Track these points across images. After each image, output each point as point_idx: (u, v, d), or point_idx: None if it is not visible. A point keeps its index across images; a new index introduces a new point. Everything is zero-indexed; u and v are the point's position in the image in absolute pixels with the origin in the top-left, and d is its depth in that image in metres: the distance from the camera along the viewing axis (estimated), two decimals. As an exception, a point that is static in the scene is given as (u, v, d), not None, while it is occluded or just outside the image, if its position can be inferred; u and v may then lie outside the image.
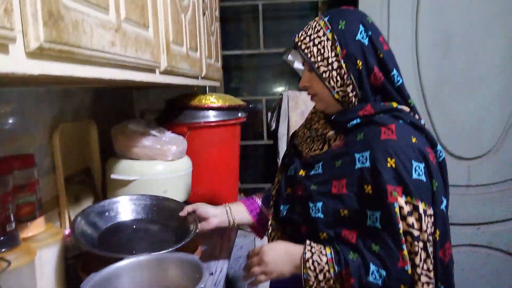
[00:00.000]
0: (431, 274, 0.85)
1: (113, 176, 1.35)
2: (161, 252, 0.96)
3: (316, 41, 0.96)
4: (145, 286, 0.87)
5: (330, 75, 0.95)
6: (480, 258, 1.95)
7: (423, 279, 0.84)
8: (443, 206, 0.88)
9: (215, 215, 1.21)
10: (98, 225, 1.12)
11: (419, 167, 0.86)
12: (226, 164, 1.79)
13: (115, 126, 1.42)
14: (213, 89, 2.22)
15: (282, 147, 2.14)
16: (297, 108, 2.09)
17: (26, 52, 0.42)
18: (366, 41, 0.95)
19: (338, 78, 0.95)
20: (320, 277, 0.88)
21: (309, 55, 0.97)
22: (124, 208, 1.20)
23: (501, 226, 1.91)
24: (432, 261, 0.85)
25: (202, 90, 2.14)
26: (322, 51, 0.95)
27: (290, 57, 2.04)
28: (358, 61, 0.93)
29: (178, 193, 1.42)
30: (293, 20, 2.32)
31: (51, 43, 0.44)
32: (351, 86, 0.95)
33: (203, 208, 1.21)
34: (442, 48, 1.81)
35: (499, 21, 1.80)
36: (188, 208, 1.21)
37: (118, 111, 1.83)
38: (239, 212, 1.25)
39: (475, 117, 1.83)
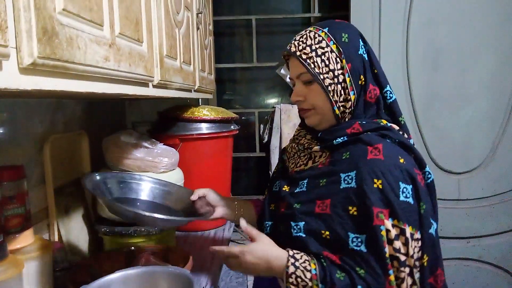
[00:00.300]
0: None
1: (104, 187, 1.34)
2: (171, 218, 1.01)
3: (319, 52, 0.91)
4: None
5: (335, 88, 0.91)
6: (470, 272, 1.96)
7: None
8: (432, 230, 0.84)
9: (223, 205, 1.16)
10: (110, 190, 1.14)
11: (406, 189, 0.83)
12: (218, 176, 1.80)
13: (106, 138, 1.42)
14: (206, 101, 2.23)
15: (275, 160, 2.15)
16: (289, 121, 2.11)
17: (19, 68, 0.43)
18: (366, 56, 0.94)
19: (342, 92, 0.92)
20: None
21: (312, 66, 0.91)
22: (140, 187, 1.22)
23: (491, 240, 1.93)
24: (419, 287, 0.82)
25: (194, 102, 2.15)
26: (327, 62, 0.91)
27: (282, 71, 2.06)
28: (361, 77, 0.92)
29: (169, 205, 1.41)
30: (286, 35, 2.36)
31: (45, 59, 0.45)
32: (350, 102, 0.92)
33: (213, 196, 1.17)
34: (432, 63, 1.85)
35: (488, 39, 1.84)
36: (199, 192, 1.17)
37: (110, 123, 1.83)
38: (247, 210, 1.20)
39: (465, 132, 1.86)
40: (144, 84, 0.93)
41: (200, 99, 2.17)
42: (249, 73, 2.38)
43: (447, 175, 1.87)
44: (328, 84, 0.91)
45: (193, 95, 1.52)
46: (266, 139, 2.18)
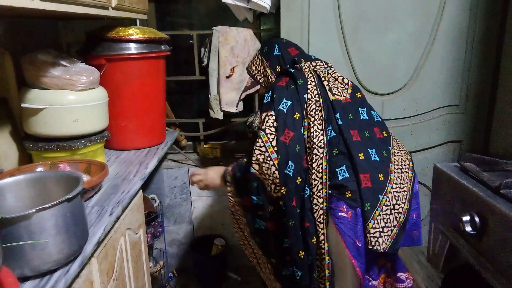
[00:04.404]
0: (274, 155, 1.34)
1: (23, 105, 1.39)
2: None
3: (254, 63, 1.60)
4: (28, 200, 0.96)
5: (264, 80, 1.57)
6: (391, 186, 2.13)
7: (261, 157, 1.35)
8: (281, 106, 1.37)
9: None
10: None
11: (268, 95, 1.42)
12: (150, 97, 1.84)
13: (24, 56, 1.43)
14: (145, 23, 2.20)
15: (213, 82, 2.19)
16: (226, 43, 2.12)
17: None
18: (280, 54, 1.53)
19: (265, 79, 1.56)
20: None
21: (250, 71, 1.61)
22: None
23: (410, 157, 2.08)
24: (273, 142, 1.34)
25: (132, 23, 2.12)
26: (257, 67, 1.58)
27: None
28: (278, 67, 1.53)
29: (90, 122, 1.48)
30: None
31: None
32: (272, 79, 1.54)
33: None
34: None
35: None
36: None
37: (42, 43, 1.81)
38: None
39: (390, 55, 1.91)
40: (27, -4, 0.94)
41: (137, 20, 2.15)
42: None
43: (371, 96, 1.94)
44: (259, 79, 1.59)
45: (112, 13, 1.51)
46: (205, 62, 2.21)
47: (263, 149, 1.34)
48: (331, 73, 1.49)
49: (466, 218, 0.69)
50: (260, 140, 1.35)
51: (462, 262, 0.79)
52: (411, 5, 1.86)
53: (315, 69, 1.47)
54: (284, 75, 1.46)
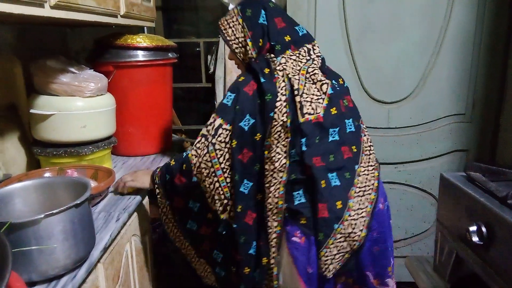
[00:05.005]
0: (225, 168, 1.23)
1: (32, 110, 1.41)
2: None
3: (231, 25, 1.30)
4: (36, 206, 0.97)
5: (240, 50, 1.31)
6: (397, 194, 2.13)
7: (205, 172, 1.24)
8: (241, 123, 1.20)
9: None
10: None
11: (230, 96, 1.22)
12: (157, 104, 1.86)
13: (33, 63, 1.45)
14: (152, 30, 2.23)
15: (219, 90, 2.21)
16: (233, 51, 2.14)
17: None
18: (266, 23, 1.27)
19: (243, 50, 1.30)
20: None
21: (225, 35, 1.32)
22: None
23: (416, 166, 2.08)
24: (221, 159, 1.23)
25: (140, 31, 2.15)
26: (234, 32, 1.30)
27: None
28: (261, 40, 1.27)
29: (97, 129, 1.49)
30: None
31: None
32: (253, 58, 1.28)
33: None
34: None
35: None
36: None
37: (51, 50, 1.83)
38: None
39: (396, 63, 1.92)
40: (38, 4, 0.95)
41: (145, 28, 2.17)
42: (198, 1, 2.36)
43: (377, 105, 1.95)
44: (234, 47, 1.31)
45: (121, 21, 1.53)
46: (211, 70, 2.23)
47: (209, 164, 1.23)
48: (311, 72, 1.25)
49: (473, 228, 0.69)
50: (207, 155, 1.23)
51: (468, 272, 0.79)
52: (417, 14, 1.87)
53: (293, 72, 1.22)
54: (253, 77, 1.22)
